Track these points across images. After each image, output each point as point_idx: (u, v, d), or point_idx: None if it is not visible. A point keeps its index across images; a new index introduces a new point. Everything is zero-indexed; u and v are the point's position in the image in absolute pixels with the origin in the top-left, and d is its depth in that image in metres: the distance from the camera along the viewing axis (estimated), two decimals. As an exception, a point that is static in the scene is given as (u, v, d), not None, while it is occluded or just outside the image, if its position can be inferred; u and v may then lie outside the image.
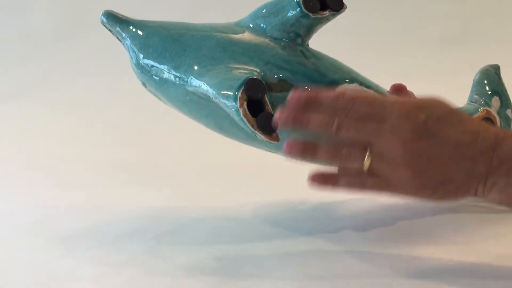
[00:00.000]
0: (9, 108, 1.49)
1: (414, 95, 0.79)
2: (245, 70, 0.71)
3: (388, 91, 0.78)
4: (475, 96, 0.81)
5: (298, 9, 0.73)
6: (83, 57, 1.62)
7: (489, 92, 0.81)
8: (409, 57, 1.52)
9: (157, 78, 0.75)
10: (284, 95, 0.71)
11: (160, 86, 0.75)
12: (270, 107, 0.68)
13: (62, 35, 1.67)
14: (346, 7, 0.74)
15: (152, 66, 0.75)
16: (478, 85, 0.82)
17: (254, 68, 0.71)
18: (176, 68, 0.74)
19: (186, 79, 0.73)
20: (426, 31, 1.58)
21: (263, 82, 0.69)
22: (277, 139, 0.67)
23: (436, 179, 0.65)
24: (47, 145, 1.27)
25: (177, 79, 0.74)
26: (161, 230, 0.83)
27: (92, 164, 1.14)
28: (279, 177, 1.01)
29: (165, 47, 0.75)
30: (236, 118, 0.67)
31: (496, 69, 0.83)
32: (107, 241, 0.80)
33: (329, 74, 0.73)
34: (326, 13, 0.74)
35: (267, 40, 0.74)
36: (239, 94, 0.67)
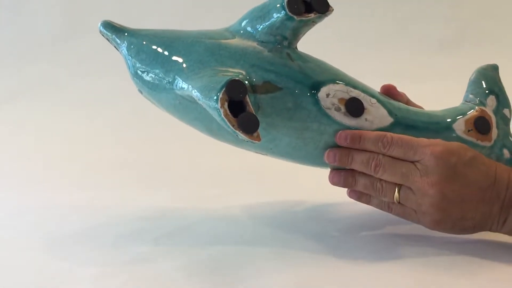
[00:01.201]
0: (9, 109, 1.50)
1: (405, 95, 0.80)
2: (230, 73, 0.72)
3: (378, 92, 0.78)
4: (470, 96, 0.81)
5: (283, 12, 0.73)
6: (83, 58, 1.62)
7: (486, 91, 0.81)
8: (408, 60, 1.52)
9: (150, 84, 0.77)
10: (268, 96, 0.73)
11: (153, 91, 0.77)
12: (251, 107, 0.69)
13: (62, 36, 1.67)
14: (333, 10, 0.75)
15: (145, 71, 0.77)
16: (473, 85, 0.82)
17: (240, 71, 0.73)
18: (166, 73, 0.75)
19: (175, 83, 0.74)
20: (425, 34, 1.58)
21: (244, 83, 0.70)
22: (258, 138, 0.68)
23: (456, 217, 0.71)
24: (46, 146, 1.27)
25: (167, 84, 0.75)
26: (160, 231, 0.83)
27: (91, 165, 1.14)
28: (278, 179, 1.01)
29: (157, 53, 0.76)
30: (218, 119, 0.68)
31: (494, 68, 0.83)
32: (106, 242, 0.81)
33: (314, 75, 0.74)
34: (312, 15, 0.74)
35: (254, 44, 0.75)
36: (220, 95, 0.67)
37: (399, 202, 0.74)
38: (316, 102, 0.74)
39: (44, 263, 0.76)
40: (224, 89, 0.68)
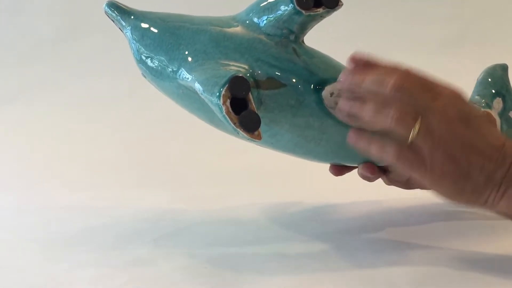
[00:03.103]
0: (9, 109, 1.49)
1: None
2: (234, 67, 0.71)
3: None
4: (476, 97, 0.81)
5: (291, 5, 0.72)
6: (83, 59, 1.62)
7: (492, 93, 0.80)
8: (409, 60, 1.51)
9: (154, 70, 0.75)
10: (272, 92, 0.71)
11: (156, 78, 0.76)
12: (254, 105, 0.68)
13: (62, 37, 1.67)
14: (342, 4, 0.73)
15: (149, 57, 0.75)
16: (480, 85, 0.81)
17: (243, 65, 0.71)
18: (170, 61, 0.74)
19: (178, 73, 0.73)
20: (426, 34, 1.58)
21: (248, 80, 0.69)
22: (259, 137, 0.67)
23: (460, 170, 0.65)
24: (46, 147, 1.27)
25: (171, 72, 0.74)
26: (160, 232, 0.83)
27: (91, 165, 1.14)
28: (278, 180, 1.01)
29: (162, 39, 0.75)
30: (219, 115, 0.67)
31: (502, 68, 0.82)
32: (105, 243, 0.80)
33: (319, 72, 0.73)
34: (320, 10, 0.72)
35: (260, 37, 0.73)
36: (223, 92, 0.66)
37: (411, 143, 0.65)
38: (320, 100, 0.73)
39: (44, 263, 0.76)
40: (227, 85, 0.67)
